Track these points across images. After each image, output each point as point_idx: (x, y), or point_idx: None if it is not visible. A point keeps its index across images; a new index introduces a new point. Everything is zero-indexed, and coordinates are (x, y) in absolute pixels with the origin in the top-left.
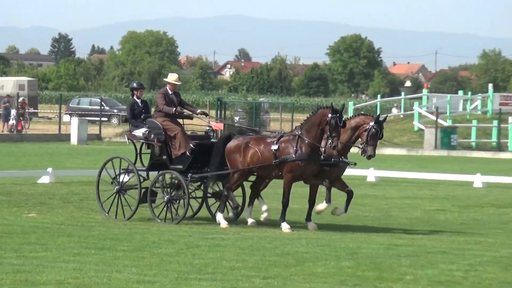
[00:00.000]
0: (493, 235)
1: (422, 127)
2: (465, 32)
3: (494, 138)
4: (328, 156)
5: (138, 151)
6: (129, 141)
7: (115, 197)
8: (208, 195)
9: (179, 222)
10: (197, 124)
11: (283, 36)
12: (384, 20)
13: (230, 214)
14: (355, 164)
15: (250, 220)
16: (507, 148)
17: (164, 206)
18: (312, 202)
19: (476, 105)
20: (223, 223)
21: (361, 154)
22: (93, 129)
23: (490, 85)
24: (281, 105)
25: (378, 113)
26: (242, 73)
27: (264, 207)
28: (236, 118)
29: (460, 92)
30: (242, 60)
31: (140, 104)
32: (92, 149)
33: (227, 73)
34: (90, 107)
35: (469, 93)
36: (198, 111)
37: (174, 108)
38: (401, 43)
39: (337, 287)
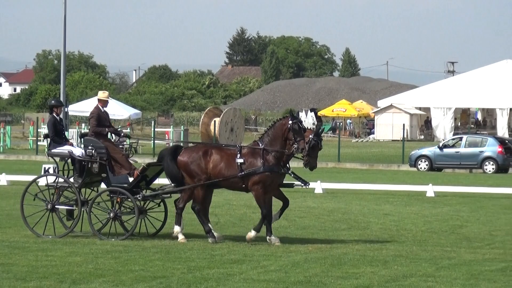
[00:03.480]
0: None
1: None
2: None
3: None
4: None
5: (61, 168)
6: (49, 158)
7: (47, 214)
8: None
9: (126, 238)
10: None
11: None
12: None
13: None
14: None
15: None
16: None
17: (107, 222)
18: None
19: None
20: (181, 237)
21: (304, 167)
22: None
23: None
24: None
25: (319, 127)
26: None
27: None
28: None
29: None
30: None
31: (60, 121)
32: None
33: None
34: None
35: None
36: (122, 133)
37: (106, 129)
38: None
39: None
